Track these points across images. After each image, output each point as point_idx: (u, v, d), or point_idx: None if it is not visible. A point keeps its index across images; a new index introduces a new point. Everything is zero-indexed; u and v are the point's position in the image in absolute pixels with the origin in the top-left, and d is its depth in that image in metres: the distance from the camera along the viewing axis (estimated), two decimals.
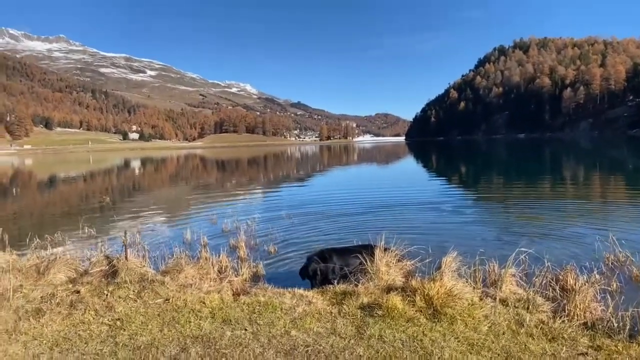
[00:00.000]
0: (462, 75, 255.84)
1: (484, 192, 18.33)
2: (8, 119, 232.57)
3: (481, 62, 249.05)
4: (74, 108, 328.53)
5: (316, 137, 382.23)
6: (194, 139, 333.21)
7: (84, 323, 4.55)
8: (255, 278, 6.53)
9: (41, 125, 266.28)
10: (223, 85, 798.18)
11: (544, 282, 5.30)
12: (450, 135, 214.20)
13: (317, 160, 56.48)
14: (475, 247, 7.30)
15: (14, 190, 27.19)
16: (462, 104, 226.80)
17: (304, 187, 23.12)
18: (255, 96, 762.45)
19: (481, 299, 4.81)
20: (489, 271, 5.57)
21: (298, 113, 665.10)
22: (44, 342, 4.16)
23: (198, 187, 25.13)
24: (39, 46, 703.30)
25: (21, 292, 5.15)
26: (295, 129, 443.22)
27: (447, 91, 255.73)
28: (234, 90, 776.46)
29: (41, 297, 5.14)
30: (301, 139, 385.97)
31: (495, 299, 4.81)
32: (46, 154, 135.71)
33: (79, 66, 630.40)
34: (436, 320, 4.34)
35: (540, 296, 4.90)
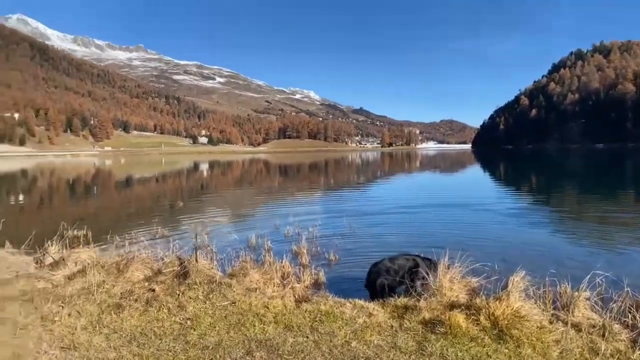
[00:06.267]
0: (534, 81, 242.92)
1: (557, 207, 17.28)
2: (92, 122, 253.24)
3: (555, 67, 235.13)
4: (149, 113, 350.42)
5: (378, 143, 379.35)
6: (258, 144, 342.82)
7: (158, 320, 4.87)
8: (316, 285, 6.62)
9: (120, 129, 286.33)
10: (288, 92, 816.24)
11: (623, 308, 4.94)
12: (520, 143, 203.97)
13: (378, 167, 56.07)
14: (546, 266, 6.94)
15: (94, 189, 29.41)
16: (534, 111, 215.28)
17: (365, 193, 23.08)
18: (318, 102, 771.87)
19: (551, 323, 4.59)
20: (560, 293, 5.27)
21: (360, 119, 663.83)
22: (124, 335, 4.50)
23: (262, 191, 25.86)
24: (121, 55, 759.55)
25: (104, 288, 5.59)
26: (356, 135, 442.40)
27: (517, 97, 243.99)
28: (297, 96, 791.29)
29: (121, 293, 5.55)
30: (362, 145, 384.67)
31: (566, 323, 4.57)
32: (124, 155, 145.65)
33: (154, 73, 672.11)
34: (501, 341, 4.21)
35: (617, 323, 4.59)
